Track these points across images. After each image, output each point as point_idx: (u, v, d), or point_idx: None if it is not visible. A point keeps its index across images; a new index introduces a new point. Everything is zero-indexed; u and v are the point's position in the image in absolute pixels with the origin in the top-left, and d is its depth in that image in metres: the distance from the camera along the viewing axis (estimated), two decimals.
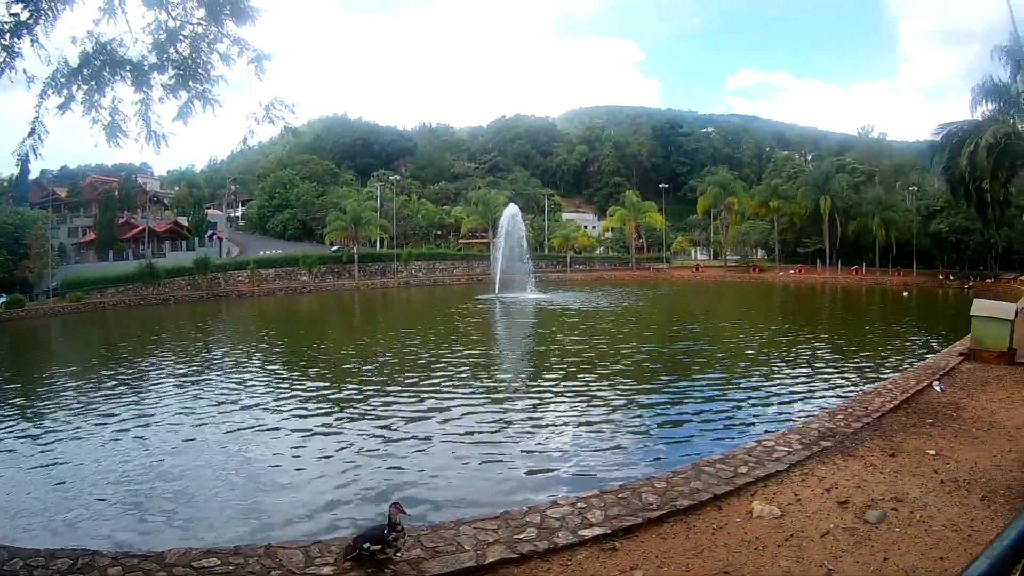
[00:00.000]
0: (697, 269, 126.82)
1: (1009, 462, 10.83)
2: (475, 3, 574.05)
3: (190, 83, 10.28)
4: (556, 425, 16.96)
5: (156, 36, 9.97)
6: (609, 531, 8.08)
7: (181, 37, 10.21)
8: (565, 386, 21.79)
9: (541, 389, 21.37)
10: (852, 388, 21.39)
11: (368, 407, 19.28)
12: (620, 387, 21.68)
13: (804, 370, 25.81)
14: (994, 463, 10.77)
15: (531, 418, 17.58)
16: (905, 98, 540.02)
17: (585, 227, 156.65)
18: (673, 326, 42.73)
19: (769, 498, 9.07)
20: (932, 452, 11.31)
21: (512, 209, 79.19)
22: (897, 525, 8.24)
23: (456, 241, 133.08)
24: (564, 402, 19.49)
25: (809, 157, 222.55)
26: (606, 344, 32.26)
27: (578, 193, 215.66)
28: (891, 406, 14.33)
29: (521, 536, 7.94)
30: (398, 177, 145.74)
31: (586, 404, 19.07)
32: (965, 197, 47.06)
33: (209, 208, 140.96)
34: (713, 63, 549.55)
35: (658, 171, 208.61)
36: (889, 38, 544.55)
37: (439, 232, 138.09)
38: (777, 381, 23.39)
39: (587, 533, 8.00)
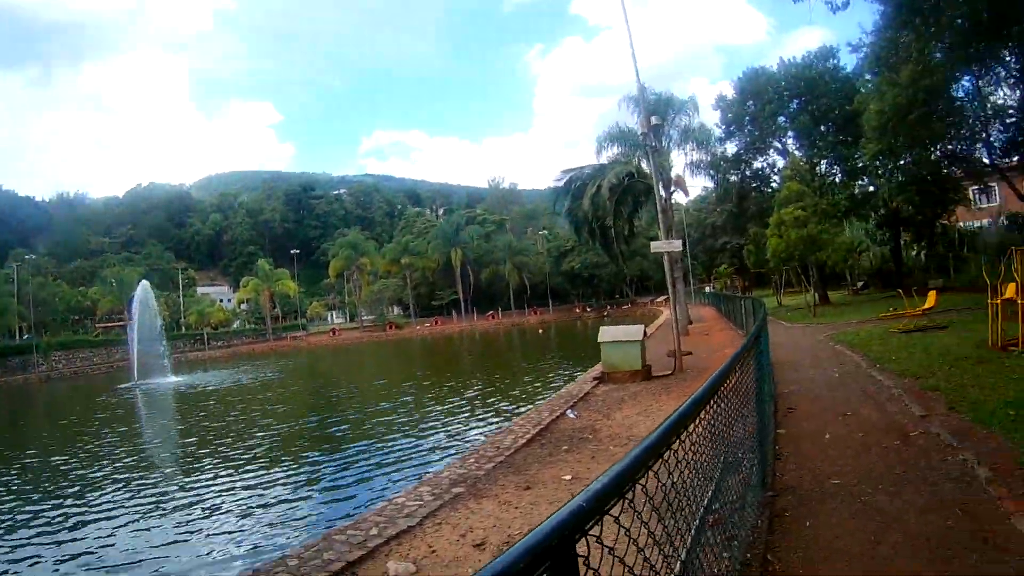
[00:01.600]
0: (334, 333, 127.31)
1: None
2: (120, 64, 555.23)
3: None
4: (197, 516, 16.02)
5: None
6: None
7: None
8: (207, 473, 20.71)
9: (183, 480, 20.16)
10: (496, 428, 21.37)
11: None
12: (263, 467, 20.84)
13: (448, 419, 25.91)
14: None
15: (172, 511, 16.61)
16: (541, 149, 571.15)
17: (220, 301, 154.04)
18: (314, 396, 42.13)
19: (404, 555, 8.92)
20: (568, 477, 11.52)
21: (143, 288, 75.40)
22: None
23: (94, 326, 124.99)
24: (207, 489, 18.52)
25: (440, 212, 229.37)
26: (246, 422, 31.12)
27: (213, 265, 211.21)
28: (524, 441, 14.46)
29: None
30: (34, 256, 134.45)
31: (230, 489, 18.28)
32: (589, 235, 49.65)
33: None
34: (349, 124, 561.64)
35: (291, 237, 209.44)
36: (526, 95, 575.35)
37: (77, 316, 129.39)
38: (420, 435, 23.38)
39: None
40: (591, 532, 2.18)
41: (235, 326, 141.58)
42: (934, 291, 29.56)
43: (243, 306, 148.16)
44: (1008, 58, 26.22)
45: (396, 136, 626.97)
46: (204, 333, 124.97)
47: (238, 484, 18.71)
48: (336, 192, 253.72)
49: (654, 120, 34.16)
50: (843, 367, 18.98)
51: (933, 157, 38.50)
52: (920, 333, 23.15)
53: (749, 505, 6.99)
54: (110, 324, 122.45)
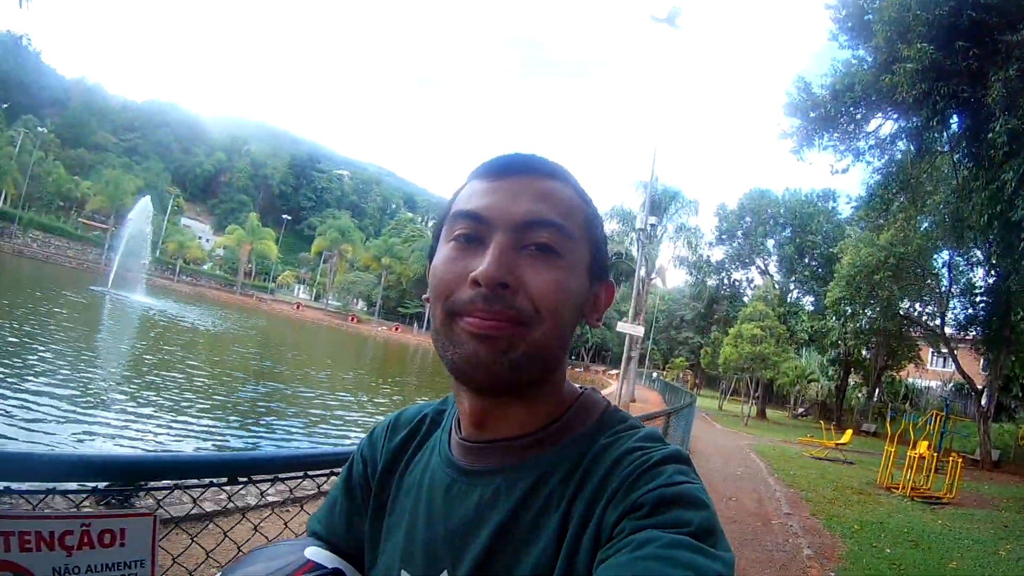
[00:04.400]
0: (298, 307, 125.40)
1: None
2: None
3: None
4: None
5: None
6: None
7: None
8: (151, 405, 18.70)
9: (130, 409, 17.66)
10: None
11: None
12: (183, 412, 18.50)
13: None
14: None
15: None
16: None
17: (200, 238, 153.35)
18: (270, 360, 38.42)
19: None
20: None
21: (144, 205, 76.20)
22: None
23: (77, 218, 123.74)
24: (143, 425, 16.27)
25: (430, 224, 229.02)
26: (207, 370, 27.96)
27: (202, 200, 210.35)
28: None
29: None
30: (44, 129, 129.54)
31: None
32: None
33: None
34: (373, 110, 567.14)
35: (284, 200, 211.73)
36: (553, 141, 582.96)
37: (63, 204, 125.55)
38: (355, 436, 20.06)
39: None
40: None
41: (206, 267, 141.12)
42: (851, 430, 32.33)
43: (220, 251, 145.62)
44: (985, 245, 27.90)
45: (411, 137, 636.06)
46: (177, 264, 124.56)
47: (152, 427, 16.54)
48: (339, 172, 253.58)
49: (652, 220, 37.42)
50: (748, 469, 21.23)
51: (893, 314, 40.87)
52: (828, 462, 25.89)
53: None
54: (92, 223, 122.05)
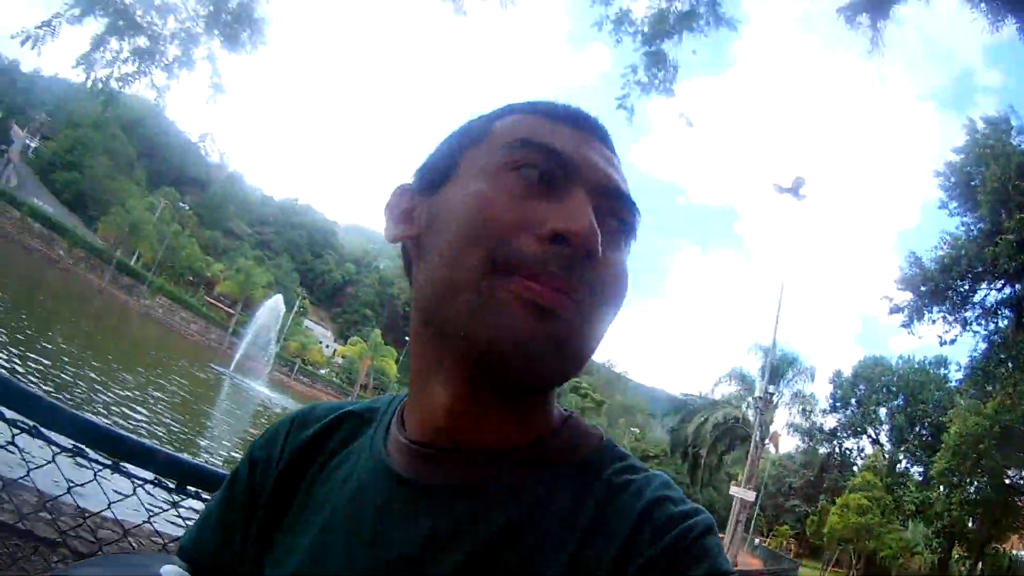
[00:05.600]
0: None
1: None
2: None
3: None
4: None
5: None
6: None
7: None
8: None
9: None
10: None
11: None
12: None
13: None
14: None
15: None
16: (660, 347, 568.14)
17: (321, 343, 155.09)
18: None
19: None
20: None
21: (277, 301, 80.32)
22: None
23: (204, 296, 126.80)
24: None
25: None
26: None
27: (326, 306, 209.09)
28: None
29: None
30: (186, 206, 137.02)
31: None
32: (682, 456, 53.63)
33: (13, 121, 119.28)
34: None
35: (408, 321, 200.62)
36: (675, 299, 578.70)
37: (192, 279, 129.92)
38: None
39: None
40: None
41: (323, 372, 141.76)
42: None
43: (339, 359, 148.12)
44: None
45: None
46: (296, 363, 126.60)
47: None
48: None
49: (770, 389, 38.24)
50: None
51: (999, 484, 40.04)
52: None
53: None
54: (219, 304, 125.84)
